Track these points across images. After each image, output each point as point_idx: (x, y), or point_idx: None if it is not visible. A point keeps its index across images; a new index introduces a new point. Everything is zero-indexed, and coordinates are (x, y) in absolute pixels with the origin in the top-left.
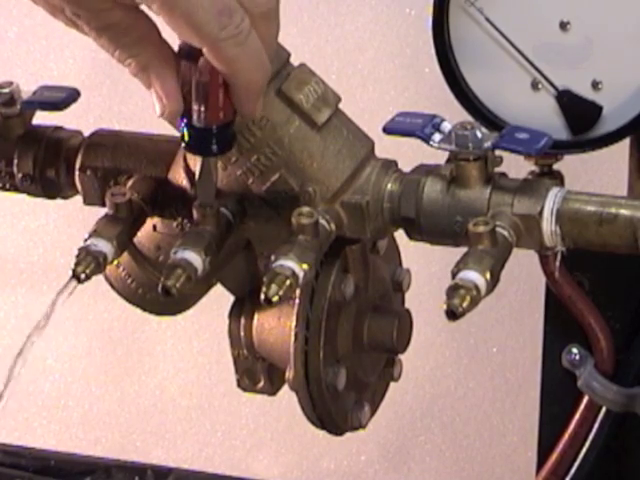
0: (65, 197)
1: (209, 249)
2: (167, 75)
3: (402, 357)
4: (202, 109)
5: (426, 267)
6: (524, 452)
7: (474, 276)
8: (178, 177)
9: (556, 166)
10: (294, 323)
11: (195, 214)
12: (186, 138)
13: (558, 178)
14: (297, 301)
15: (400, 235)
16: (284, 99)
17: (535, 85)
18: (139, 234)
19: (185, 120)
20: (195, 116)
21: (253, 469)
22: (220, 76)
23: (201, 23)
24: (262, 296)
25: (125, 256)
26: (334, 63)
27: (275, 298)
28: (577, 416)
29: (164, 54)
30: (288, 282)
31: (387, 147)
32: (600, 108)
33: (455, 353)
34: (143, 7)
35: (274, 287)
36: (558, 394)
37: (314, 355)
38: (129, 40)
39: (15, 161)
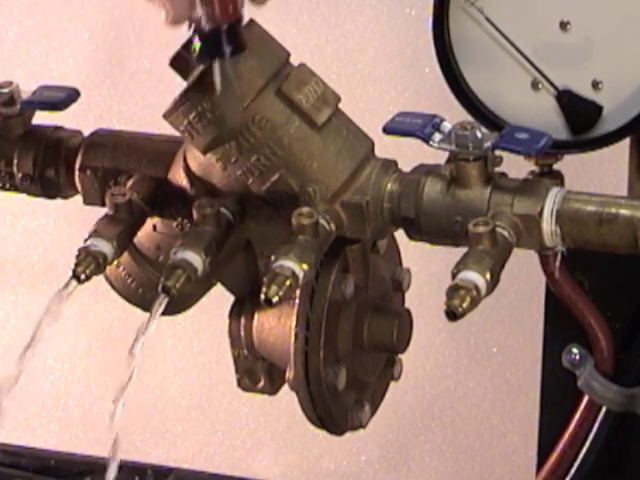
0: (65, 197)
1: (209, 249)
2: None
3: (402, 357)
4: (209, 8)
5: (426, 267)
6: (524, 452)
7: (474, 276)
8: (178, 177)
9: (556, 166)
10: (294, 323)
11: (195, 214)
12: (197, 46)
13: (558, 178)
14: (297, 301)
15: (400, 235)
16: (284, 99)
17: (535, 85)
18: (139, 234)
19: (192, 28)
20: (204, 18)
21: (253, 469)
22: None
23: None
24: (262, 297)
25: (125, 256)
26: (334, 63)
27: (275, 298)
28: (577, 416)
29: None
30: (288, 282)
31: (387, 147)
32: (600, 108)
33: (455, 353)
34: None
35: (274, 287)
36: (558, 394)
37: (314, 355)
38: None
39: (15, 161)
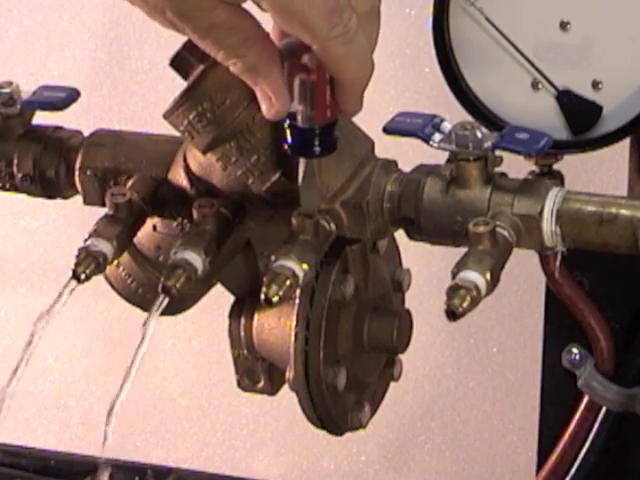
0: (65, 197)
1: (209, 249)
2: (274, 74)
3: (402, 357)
4: (307, 109)
5: (426, 267)
6: (524, 452)
7: (474, 276)
8: (178, 177)
9: (556, 166)
10: (294, 323)
11: (195, 214)
12: (289, 140)
13: (558, 178)
14: (297, 301)
15: (400, 235)
16: None
17: (535, 85)
18: (139, 234)
19: (288, 121)
20: (300, 116)
21: (253, 469)
22: (326, 74)
23: (313, 22)
24: (262, 296)
25: (125, 256)
26: None
27: (275, 298)
28: (577, 416)
29: (270, 53)
30: (288, 282)
31: (387, 147)
32: (600, 108)
33: (455, 353)
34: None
35: (274, 287)
36: (558, 394)
37: (314, 355)
38: (235, 40)
39: (15, 161)
